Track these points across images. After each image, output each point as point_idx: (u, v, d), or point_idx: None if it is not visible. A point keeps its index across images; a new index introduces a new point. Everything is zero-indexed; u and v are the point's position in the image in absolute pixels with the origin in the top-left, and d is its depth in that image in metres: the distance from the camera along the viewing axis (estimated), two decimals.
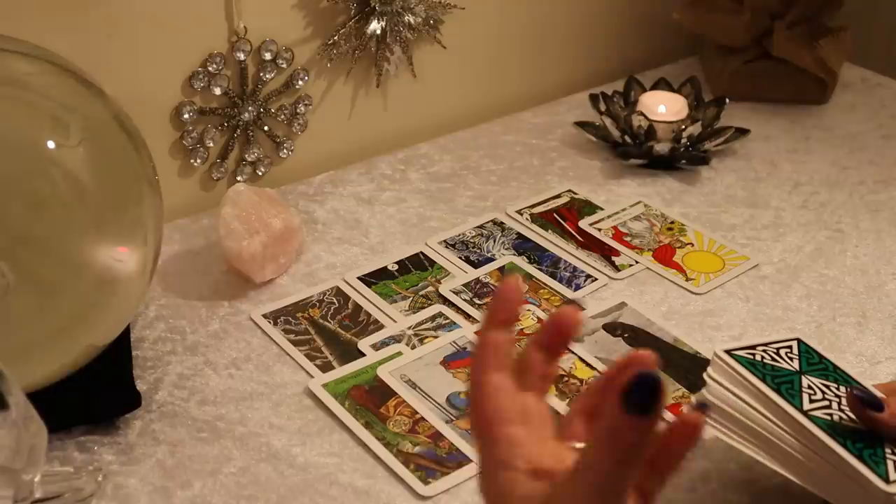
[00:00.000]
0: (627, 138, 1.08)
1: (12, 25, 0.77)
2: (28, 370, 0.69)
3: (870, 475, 0.62)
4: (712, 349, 0.69)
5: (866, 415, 0.64)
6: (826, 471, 0.64)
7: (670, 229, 0.98)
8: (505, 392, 0.48)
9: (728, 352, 0.68)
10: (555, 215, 1.00)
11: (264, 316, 0.86)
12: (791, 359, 0.69)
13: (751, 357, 0.68)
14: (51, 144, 0.68)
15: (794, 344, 0.71)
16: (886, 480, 0.62)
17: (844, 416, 0.65)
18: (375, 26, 1.02)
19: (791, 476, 0.65)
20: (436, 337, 0.84)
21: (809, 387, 0.67)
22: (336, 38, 1.01)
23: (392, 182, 1.04)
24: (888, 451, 0.64)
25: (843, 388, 0.68)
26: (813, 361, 0.70)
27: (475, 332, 0.49)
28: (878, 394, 0.66)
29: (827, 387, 0.67)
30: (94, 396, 0.75)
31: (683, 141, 1.06)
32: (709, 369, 0.69)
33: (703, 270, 0.92)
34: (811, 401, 0.66)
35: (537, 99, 1.20)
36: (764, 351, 0.69)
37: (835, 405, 0.66)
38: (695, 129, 1.06)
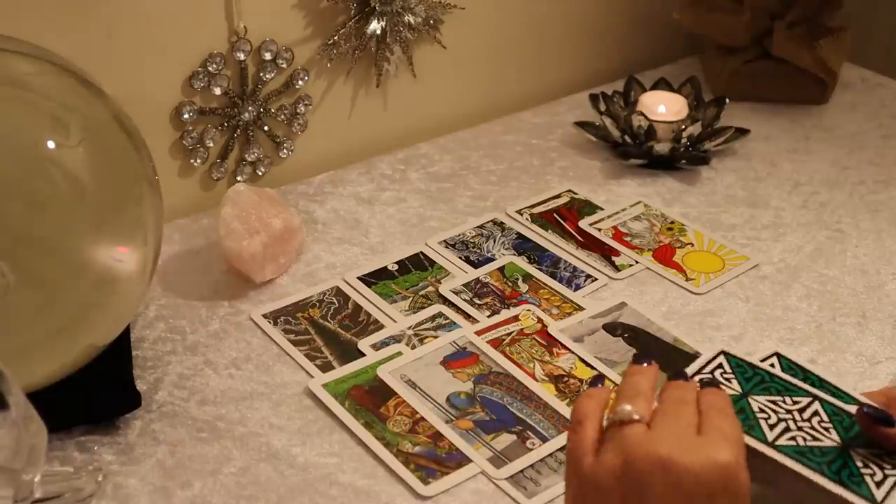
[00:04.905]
0: (627, 138, 1.08)
1: (12, 25, 0.77)
2: (28, 370, 0.69)
3: (856, 500, 0.59)
4: (713, 348, 0.69)
5: (878, 431, 0.62)
6: (807, 492, 0.61)
7: (670, 229, 0.98)
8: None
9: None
10: (555, 215, 1.00)
11: (264, 316, 0.86)
12: (728, 380, 0.65)
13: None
14: (51, 144, 0.68)
15: (722, 360, 0.66)
16: (874, 502, 0.60)
17: (805, 435, 0.62)
18: (375, 26, 1.02)
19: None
20: (436, 337, 0.84)
21: (761, 410, 0.63)
22: (336, 38, 1.01)
23: (392, 182, 1.04)
24: (859, 463, 0.62)
25: (787, 399, 0.64)
26: (748, 375, 0.66)
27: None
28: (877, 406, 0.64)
29: (774, 402, 0.64)
30: (94, 396, 0.75)
31: (683, 141, 1.06)
32: None
33: (703, 270, 0.92)
34: (770, 427, 0.62)
35: (537, 99, 1.20)
36: (700, 381, 0.61)
37: (791, 424, 0.63)
38: (695, 129, 1.06)
